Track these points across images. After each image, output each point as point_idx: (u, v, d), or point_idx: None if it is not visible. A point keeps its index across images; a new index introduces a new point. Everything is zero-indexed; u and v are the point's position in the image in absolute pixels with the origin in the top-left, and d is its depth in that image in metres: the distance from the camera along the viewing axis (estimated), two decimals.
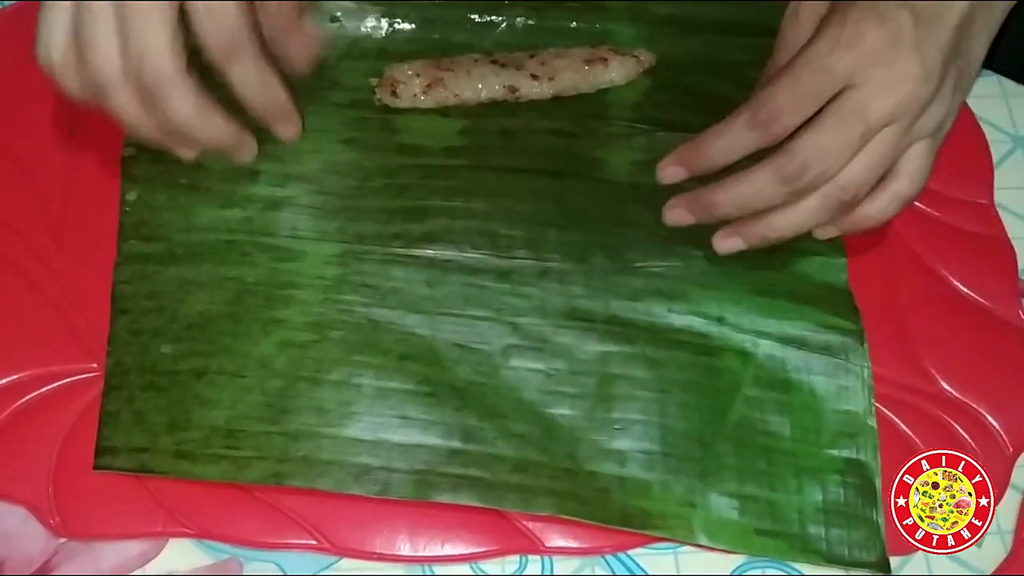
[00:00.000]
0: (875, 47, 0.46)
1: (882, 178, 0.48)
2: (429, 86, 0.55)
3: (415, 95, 0.54)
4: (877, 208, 0.48)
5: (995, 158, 0.58)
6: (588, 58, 0.56)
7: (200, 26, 0.43)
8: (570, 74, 0.56)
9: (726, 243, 0.51)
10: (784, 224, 0.49)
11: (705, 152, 0.49)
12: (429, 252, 0.53)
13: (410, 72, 0.55)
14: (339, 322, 0.51)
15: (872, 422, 0.51)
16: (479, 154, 0.55)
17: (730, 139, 0.48)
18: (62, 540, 0.48)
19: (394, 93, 0.55)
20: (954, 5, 0.46)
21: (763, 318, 0.52)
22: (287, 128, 0.48)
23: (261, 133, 0.47)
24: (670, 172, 0.51)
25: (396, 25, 0.58)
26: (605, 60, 0.56)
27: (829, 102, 0.46)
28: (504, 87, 0.55)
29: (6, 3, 0.58)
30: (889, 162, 0.47)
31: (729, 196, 0.49)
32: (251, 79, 0.45)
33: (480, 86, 0.55)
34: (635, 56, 0.57)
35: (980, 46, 0.48)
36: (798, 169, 0.46)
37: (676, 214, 0.51)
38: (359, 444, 0.49)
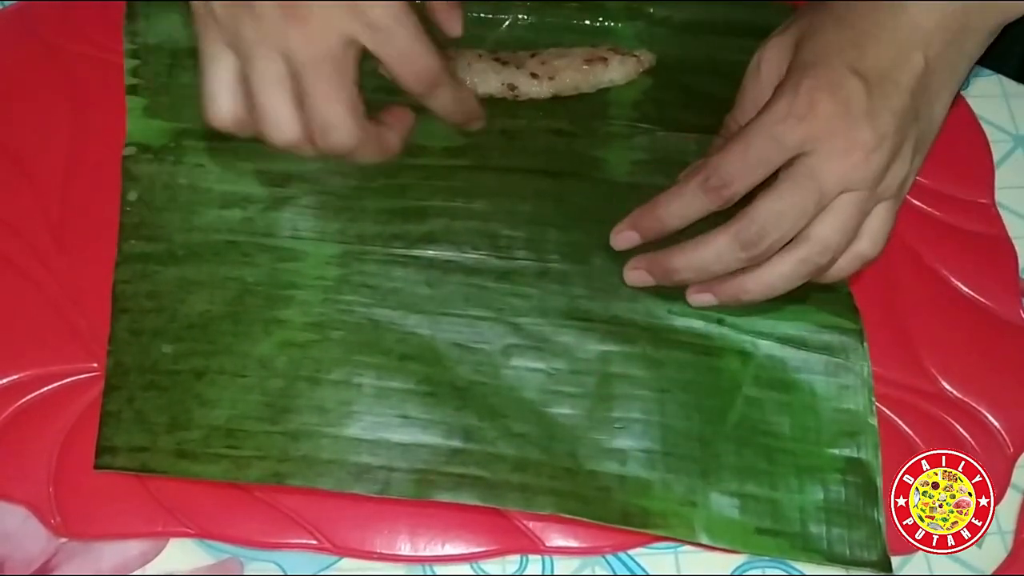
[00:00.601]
0: (826, 117, 0.46)
1: None
2: None
3: None
4: (838, 267, 0.49)
5: (996, 158, 0.58)
6: (588, 57, 0.56)
7: (396, 73, 0.44)
8: (570, 73, 0.56)
9: (698, 298, 0.51)
10: (757, 287, 0.49)
11: (658, 215, 0.50)
12: (429, 252, 0.53)
13: None
14: (340, 322, 0.51)
15: (873, 420, 0.51)
16: (479, 154, 0.55)
17: (683, 203, 0.49)
18: (62, 540, 0.48)
19: None
20: (909, 67, 0.46)
21: (763, 319, 0.52)
22: (478, 124, 0.49)
23: None
24: (624, 237, 0.52)
25: None
26: (605, 60, 0.56)
27: (785, 166, 0.47)
28: (503, 84, 0.55)
29: (6, 3, 0.58)
30: (858, 224, 0.48)
31: (688, 260, 0.49)
32: (449, 103, 0.46)
33: (476, 80, 0.55)
34: (635, 56, 0.57)
35: (942, 105, 0.48)
36: (756, 235, 0.47)
37: (637, 275, 0.52)
38: (359, 443, 0.48)
